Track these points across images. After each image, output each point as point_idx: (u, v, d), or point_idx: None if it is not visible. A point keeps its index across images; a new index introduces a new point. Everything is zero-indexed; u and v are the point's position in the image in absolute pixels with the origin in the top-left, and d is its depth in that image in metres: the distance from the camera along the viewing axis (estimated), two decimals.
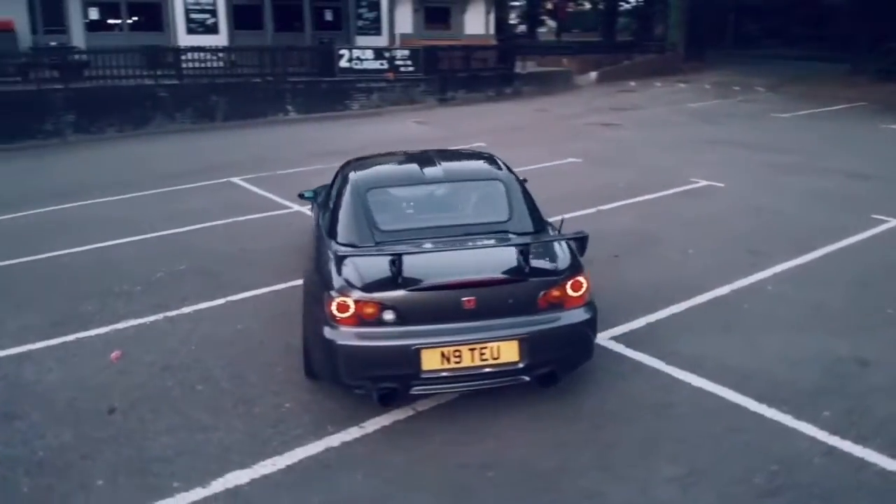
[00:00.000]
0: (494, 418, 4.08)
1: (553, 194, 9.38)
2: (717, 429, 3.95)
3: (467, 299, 3.79)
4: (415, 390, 3.88)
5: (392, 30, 22.28)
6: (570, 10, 46.25)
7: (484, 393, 4.17)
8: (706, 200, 8.95)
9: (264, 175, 10.97)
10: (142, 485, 3.58)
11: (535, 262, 3.97)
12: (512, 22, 54.09)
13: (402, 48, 20.05)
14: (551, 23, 48.00)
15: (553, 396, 4.25)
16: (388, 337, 3.79)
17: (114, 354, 4.98)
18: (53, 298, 6.06)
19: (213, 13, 19.78)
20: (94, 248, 7.43)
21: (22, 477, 3.66)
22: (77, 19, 18.98)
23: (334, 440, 3.91)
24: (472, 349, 3.82)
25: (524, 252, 3.92)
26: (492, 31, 24.53)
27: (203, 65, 18.08)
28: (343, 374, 3.87)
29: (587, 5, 54.56)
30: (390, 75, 19.34)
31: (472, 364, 3.84)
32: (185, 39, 19.44)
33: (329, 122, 17.77)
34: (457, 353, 3.81)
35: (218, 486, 3.55)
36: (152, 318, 5.61)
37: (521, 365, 3.89)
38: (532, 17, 48.23)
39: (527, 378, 3.96)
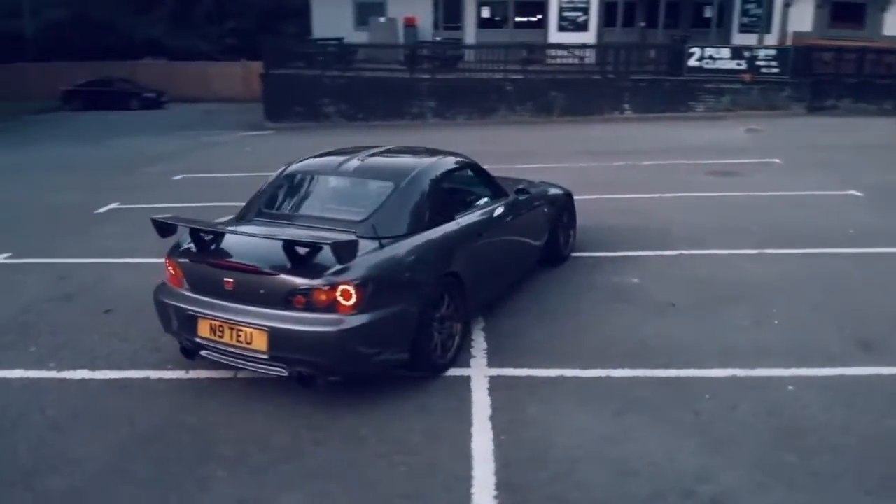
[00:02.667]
0: (274, 405, 4.21)
1: (748, 224, 7.78)
2: None
3: (227, 280, 4.09)
4: (203, 353, 4.34)
5: (784, 27, 19.63)
6: None
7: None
8: None
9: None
10: (42, 357, 4.96)
11: (301, 261, 3.98)
12: None
13: (766, 47, 17.64)
14: None
15: (334, 402, 4.20)
16: (179, 299, 4.35)
17: None
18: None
19: (585, 11, 20.49)
20: None
21: (3, 332, 5.41)
22: (471, 17, 21.95)
23: (157, 374, 4.67)
24: (231, 328, 4.11)
25: (288, 248, 3.97)
26: None
27: (556, 61, 19.10)
28: (161, 323, 4.58)
29: None
30: (747, 77, 17.30)
31: (231, 342, 4.13)
32: (555, 37, 20.68)
33: (659, 122, 17.03)
34: (220, 329, 4.15)
35: (63, 374, 4.71)
36: None
37: (266, 356, 4.02)
38: None
39: (284, 372, 4.05)
